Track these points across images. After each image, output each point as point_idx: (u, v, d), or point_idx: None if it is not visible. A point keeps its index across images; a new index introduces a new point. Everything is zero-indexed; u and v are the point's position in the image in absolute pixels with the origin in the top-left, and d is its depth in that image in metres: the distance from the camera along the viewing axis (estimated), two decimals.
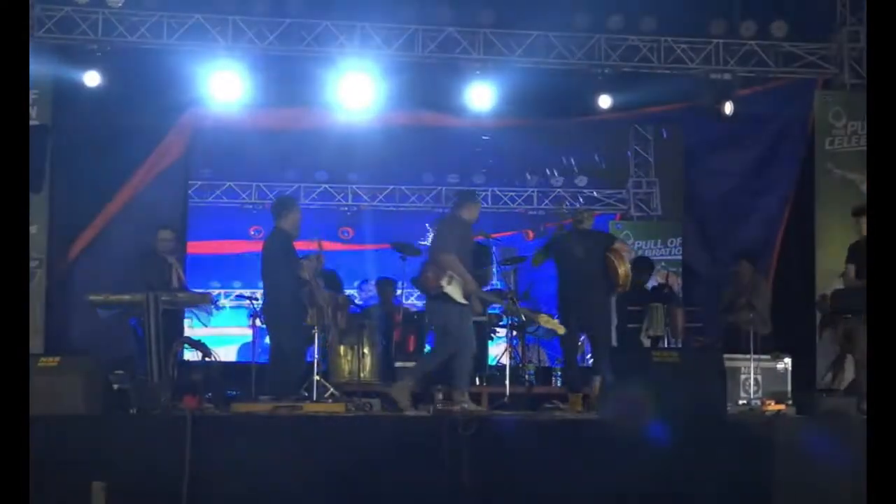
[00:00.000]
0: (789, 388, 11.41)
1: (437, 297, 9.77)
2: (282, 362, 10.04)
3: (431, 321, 10.15)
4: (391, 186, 14.00)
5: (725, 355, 9.77)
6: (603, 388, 8.72)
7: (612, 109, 13.32)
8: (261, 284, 10.50)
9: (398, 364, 12.20)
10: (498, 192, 14.90)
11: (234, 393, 10.25)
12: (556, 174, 14.65)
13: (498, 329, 12.18)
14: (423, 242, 13.53)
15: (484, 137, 13.62)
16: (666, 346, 11.71)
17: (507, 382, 11.26)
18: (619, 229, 14.71)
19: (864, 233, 10.52)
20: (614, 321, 11.30)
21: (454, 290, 9.69)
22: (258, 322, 11.03)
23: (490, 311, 11.13)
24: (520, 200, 14.95)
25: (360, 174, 13.35)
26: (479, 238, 10.74)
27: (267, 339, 10.64)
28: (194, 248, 13.65)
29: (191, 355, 10.62)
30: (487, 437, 7.82)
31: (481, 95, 12.98)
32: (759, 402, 10.41)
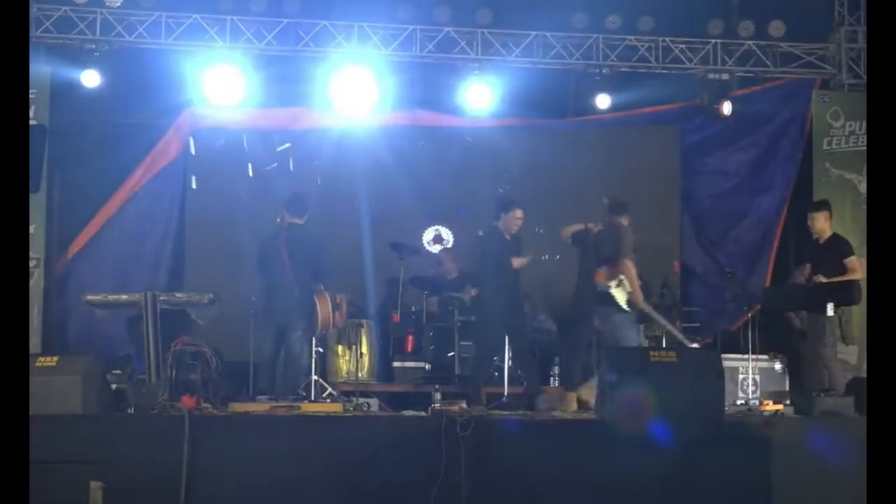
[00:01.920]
0: (787, 388, 11.43)
1: (602, 300, 10.14)
2: (291, 362, 10.06)
3: (600, 325, 10.39)
4: (387, 186, 13.95)
5: (723, 355, 9.79)
6: (601, 388, 8.71)
7: (610, 109, 13.33)
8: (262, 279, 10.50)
9: (396, 364, 12.20)
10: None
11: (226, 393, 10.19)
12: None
13: None
14: (430, 233, 13.55)
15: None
16: (664, 346, 11.70)
17: (506, 382, 11.27)
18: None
19: (817, 229, 10.60)
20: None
21: (619, 295, 10.12)
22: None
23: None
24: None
25: (357, 173, 13.33)
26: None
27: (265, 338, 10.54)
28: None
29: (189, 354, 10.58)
30: (485, 436, 7.82)
31: (479, 95, 12.98)
32: (756, 402, 10.41)
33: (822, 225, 10.60)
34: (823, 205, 10.87)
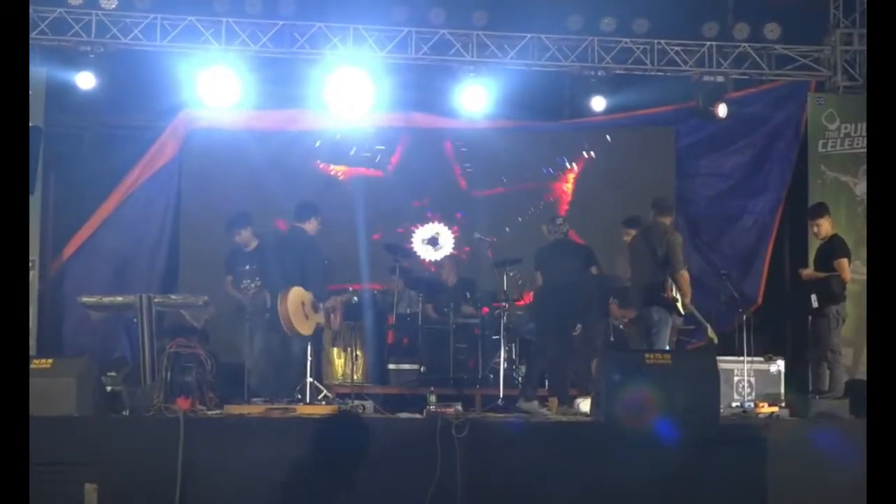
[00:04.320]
0: (782, 390, 11.43)
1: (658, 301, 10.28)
2: (288, 364, 10.05)
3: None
4: (384, 188, 13.95)
5: (718, 357, 9.80)
6: (599, 389, 8.72)
7: (606, 111, 13.33)
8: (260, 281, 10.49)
9: (391, 366, 12.18)
10: None
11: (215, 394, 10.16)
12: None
13: None
14: (427, 233, 13.55)
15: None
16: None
17: (501, 385, 11.27)
18: None
19: (823, 234, 10.63)
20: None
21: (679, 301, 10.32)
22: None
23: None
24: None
25: (353, 175, 13.33)
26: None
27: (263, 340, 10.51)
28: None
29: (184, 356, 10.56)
30: (480, 438, 7.82)
31: (474, 97, 12.98)
32: (752, 405, 10.41)
33: (827, 229, 10.66)
34: (823, 209, 10.88)
